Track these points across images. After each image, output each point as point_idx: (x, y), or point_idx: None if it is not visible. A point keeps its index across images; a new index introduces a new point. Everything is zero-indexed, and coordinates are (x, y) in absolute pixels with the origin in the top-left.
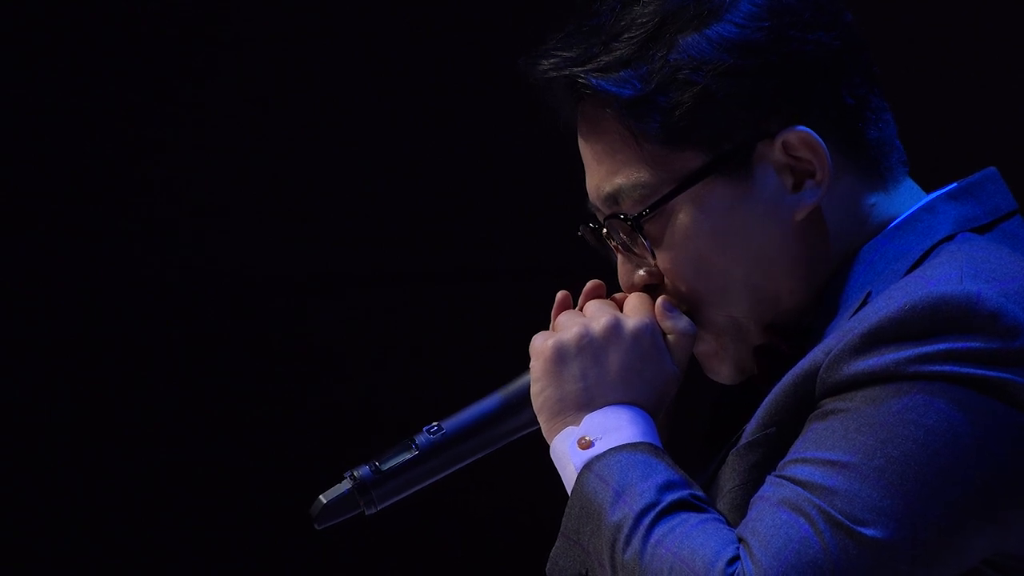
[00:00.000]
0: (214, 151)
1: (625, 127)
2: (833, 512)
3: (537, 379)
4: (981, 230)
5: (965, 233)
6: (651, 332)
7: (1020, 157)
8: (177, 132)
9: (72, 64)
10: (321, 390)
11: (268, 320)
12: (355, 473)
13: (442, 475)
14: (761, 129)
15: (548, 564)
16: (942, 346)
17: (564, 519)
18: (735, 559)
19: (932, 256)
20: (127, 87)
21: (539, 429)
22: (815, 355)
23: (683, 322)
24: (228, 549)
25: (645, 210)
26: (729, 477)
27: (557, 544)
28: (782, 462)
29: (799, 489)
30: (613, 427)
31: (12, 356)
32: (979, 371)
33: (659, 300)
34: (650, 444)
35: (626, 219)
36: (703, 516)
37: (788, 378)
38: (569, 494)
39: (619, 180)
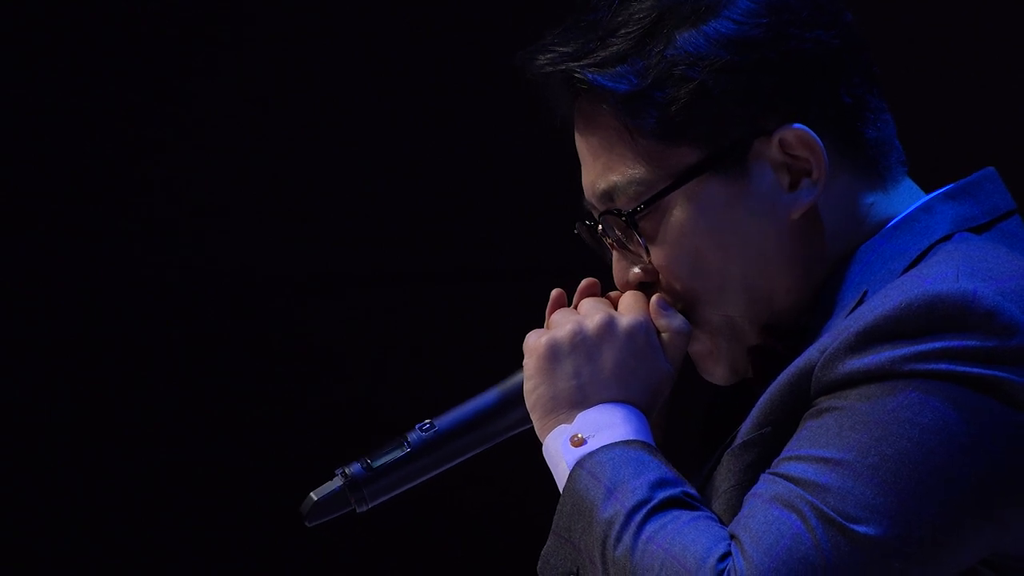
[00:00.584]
0: (214, 151)
1: (621, 122)
2: (826, 509)
3: (530, 377)
4: (979, 230)
5: (963, 233)
6: (645, 330)
7: (1020, 157)
8: (177, 132)
9: (72, 64)
10: (321, 390)
11: (268, 320)
12: (346, 470)
13: (435, 473)
14: (758, 126)
15: (539, 563)
16: (938, 344)
17: (556, 517)
18: (727, 555)
19: (929, 256)
20: (127, 87)
21: (532, 427)
22: (811, 353)
23: (678, 320)
24: (228, 549)
25: (639, 206)
26: (724, 478)
27: (548, 542)
28: (776, 459)
29: (792, 486)
30: (606, 424)
31: (12, 356)
32: (975, 369)
33: (654, 298)
34: (643, 442)
35: (620, 215)
36: (695, 513)
37: (783, 377)
38: (561, 492)
39: (614, 176)
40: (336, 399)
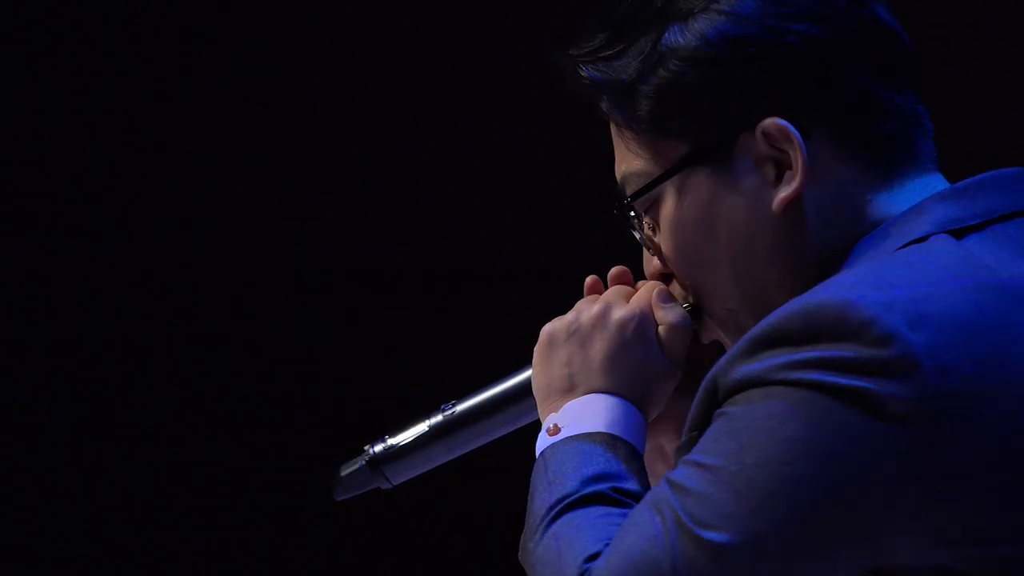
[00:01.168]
0: (214, 151)
1: (617, 115)
2: (682, 514)
3: (534, 364)
4: (961, 232)
5: (940, 235)
6: (638, 321)
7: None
8: (177, 132)
9: (72, 64)
10: (321, 390)
11: (268, 320)
12: (369, 448)
13: (458, 454)
14: (744, 120)
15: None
16: (814, 353)
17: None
18: (597, 555)
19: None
20: (127, 87)
21: None
22: (722, 358)
23: (674, 313)
24: (228, 549)
25: (628, 197)
26: None
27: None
28: None
29: (667, 489)
30: (585, 414)
31: (12, 356)
32: (844, 380)
33: (655, 290)
34: (609, 434)
35: (624, 205)
36: (608, 510)
37: (705, 381)
38: None
39: (623, 167)
40: (336, 399)
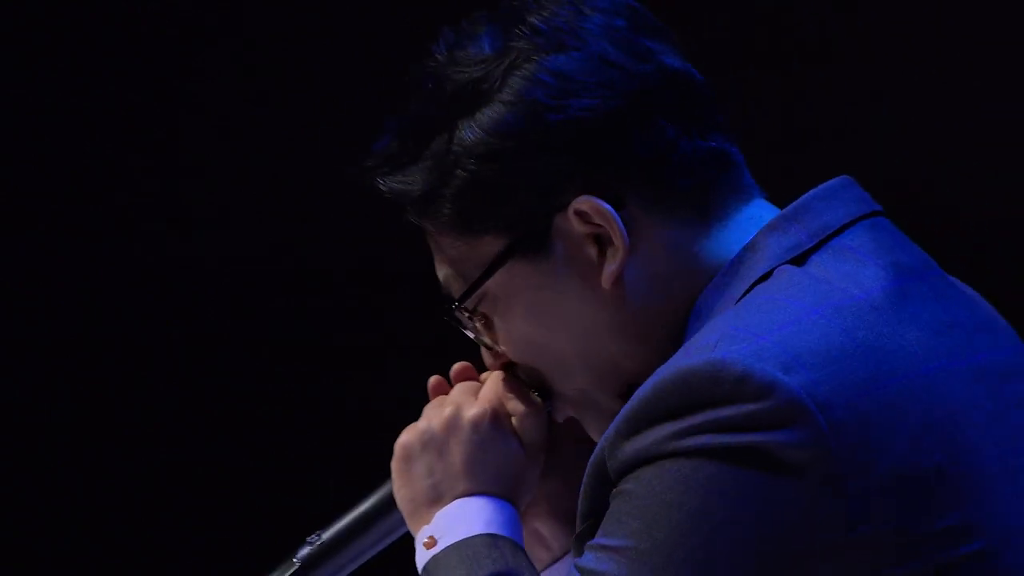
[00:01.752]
0: (214, 151)
1: (426, 223)
2: None
3: (394, 479)
4: (801, 259)
5: (782, 266)
6: (491, 417)
7: (1021, 157)
8: (177, 132)
9: (72, 64)
10: (321, 390)
11: (268, 320)
12: None
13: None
14: (552, 204)
15: None
16: (697, 419)
17: None
18: None
19: (720, 314)
20: (127, 87)
21: None
22: (601, 442)
23: (524, 402)
24: (228, 549)
25: (456, 300)
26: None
27: None
28: None
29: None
30: (459, 521)
31: (12, 356)
32: (735, 438)
33: (502, 383)
34: (488, 535)
35: (449, 307)
36: None
37: (589, 467)
38: None
39: (443, 271)
40: (336, 399)
